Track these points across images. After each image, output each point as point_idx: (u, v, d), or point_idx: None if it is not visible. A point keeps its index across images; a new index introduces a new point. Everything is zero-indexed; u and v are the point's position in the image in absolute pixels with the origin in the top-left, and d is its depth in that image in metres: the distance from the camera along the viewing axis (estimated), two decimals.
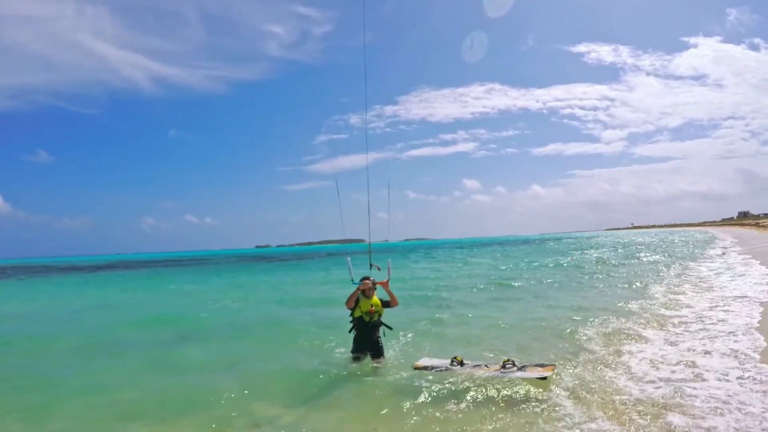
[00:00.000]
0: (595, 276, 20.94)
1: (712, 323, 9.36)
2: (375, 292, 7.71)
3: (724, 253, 28.99)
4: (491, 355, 8.03)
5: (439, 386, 6.48)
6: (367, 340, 7.66)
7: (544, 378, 6.33)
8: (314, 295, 19.52)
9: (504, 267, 29.75)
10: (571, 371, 6.83)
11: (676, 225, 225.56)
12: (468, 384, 6.50)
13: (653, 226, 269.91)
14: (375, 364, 7.56)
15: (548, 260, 33.76)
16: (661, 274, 19.91)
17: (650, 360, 7.18)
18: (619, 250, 42.75)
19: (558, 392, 6.03)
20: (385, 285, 7.75)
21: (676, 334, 8.76)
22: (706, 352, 7.34)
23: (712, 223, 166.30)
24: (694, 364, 6.79)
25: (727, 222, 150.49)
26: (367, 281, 7.58)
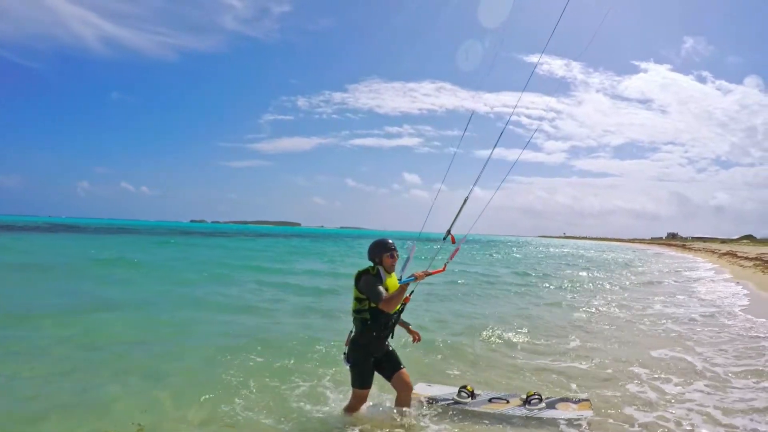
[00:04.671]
0: None
1: None
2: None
3: None
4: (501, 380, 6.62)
5: (448, 427, 4.92)
6: (381, 345, 4.86)
7: (584, 419, 5.00)
8: (247, 274, 18.68)
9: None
10: (613, 408, 5.43)
11: (607, 239, 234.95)
12: (486, 425, 5.01)
13: (585, 238, 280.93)
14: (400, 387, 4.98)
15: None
16: None
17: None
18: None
19: None
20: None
21: None
22: None
23: (641, 240, 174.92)
24: None
25: (656, 241, 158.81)
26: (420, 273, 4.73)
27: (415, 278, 4.67)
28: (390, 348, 4.97)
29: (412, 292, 4.81)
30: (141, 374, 6.20)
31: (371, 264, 4.87)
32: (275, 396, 5.56)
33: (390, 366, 4.91)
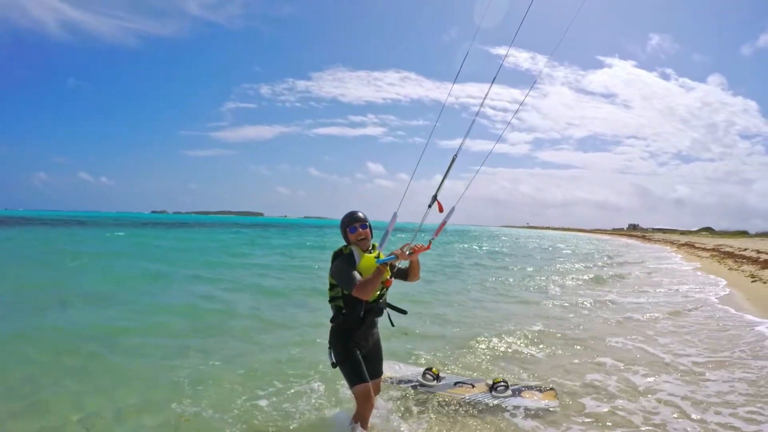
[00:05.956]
0: None
1: None
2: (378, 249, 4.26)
3: None
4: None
5: (415, 412, 4.81)
6: (364, 336, 4.21)
7: (549, 408, 4.97)
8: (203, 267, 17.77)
9: None
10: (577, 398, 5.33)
11: (570, 229, 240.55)
12: (451, 410, 4.92)
13: (548, 228, 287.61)
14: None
15: None
16: None
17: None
18: None
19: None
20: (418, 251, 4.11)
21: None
22: None
23: (603, 231, 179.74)
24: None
25: (617, 232, 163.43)
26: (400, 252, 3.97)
27: (396, 257, 3.94)
28: (379, 344, 4.40)
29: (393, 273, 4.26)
30: (67, 381, 5.60)
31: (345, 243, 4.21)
32: (227, 397, 5.17)
33: (371, 367, 4.26)
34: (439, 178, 4.42)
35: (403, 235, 4.41)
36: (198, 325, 8.55)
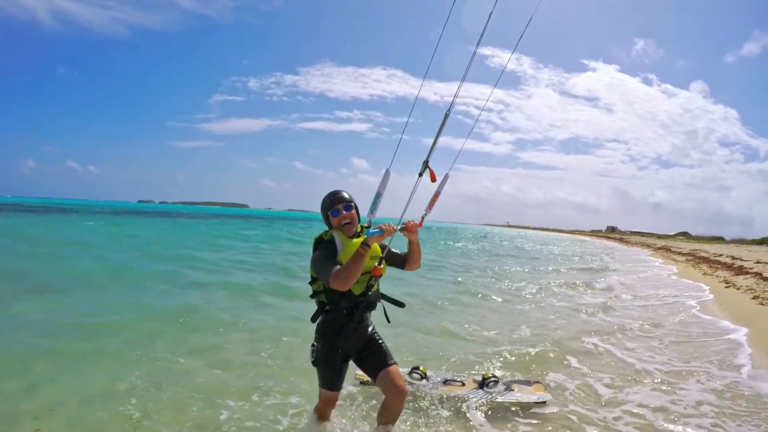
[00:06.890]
0: None
1: None
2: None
3: None
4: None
5: (405, 412, 4.59)
6: (354, 335, 3.73)
7: (543, 403, 5.04)
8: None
9: None
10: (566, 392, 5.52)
11: (549, 229, 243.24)
12: (441, 410, 4.85)
13: (528, 228, 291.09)
14: (387, 384, 3.66)
15: None
16: None
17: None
18: None
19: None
20: (415, 229, 3.69)
21: None
22: None
23: (582, 232, 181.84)
24: None
25: (596, 233, 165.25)
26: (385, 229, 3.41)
27: (383, 232, 3.34)
28: (377, 337, 3.83)
29: (383, 258, 3.62)
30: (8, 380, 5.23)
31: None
32: (183, 406, 4.82)
33: (375, 360, 3.73)
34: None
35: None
36: (157, 324, 7.84)
